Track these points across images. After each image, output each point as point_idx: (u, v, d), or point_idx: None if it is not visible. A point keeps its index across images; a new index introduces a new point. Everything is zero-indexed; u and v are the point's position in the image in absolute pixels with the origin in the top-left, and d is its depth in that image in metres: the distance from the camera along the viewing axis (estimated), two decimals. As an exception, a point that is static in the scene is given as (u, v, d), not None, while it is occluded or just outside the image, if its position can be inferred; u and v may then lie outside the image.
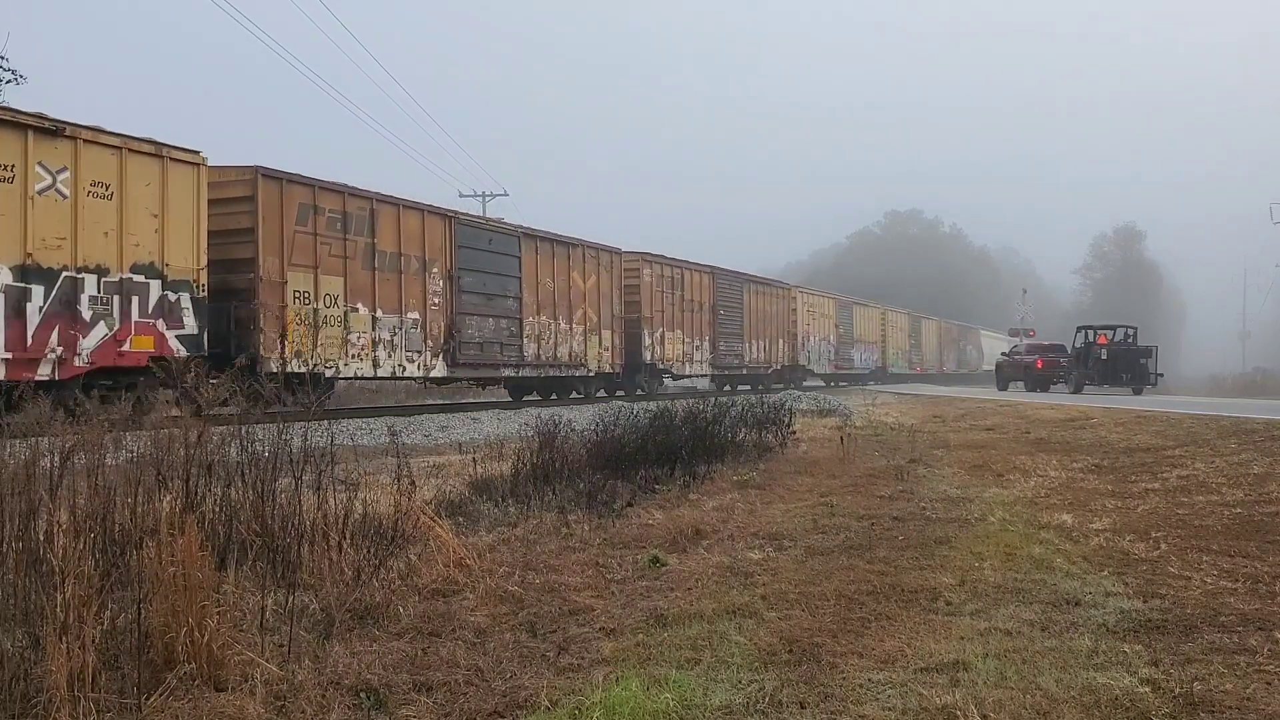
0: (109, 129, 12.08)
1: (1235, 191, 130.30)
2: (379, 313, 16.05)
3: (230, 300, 13.88)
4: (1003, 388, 34.44)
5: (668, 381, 28.01)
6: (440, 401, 22.51)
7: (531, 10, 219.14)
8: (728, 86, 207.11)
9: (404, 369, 16.84)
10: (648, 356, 24.62)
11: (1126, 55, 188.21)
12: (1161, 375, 31.15)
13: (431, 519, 5.33)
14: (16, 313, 11.06)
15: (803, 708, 3.22)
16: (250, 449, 4.79)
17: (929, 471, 9.72)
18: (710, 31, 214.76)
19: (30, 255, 11.18)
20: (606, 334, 23.06)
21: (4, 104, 14.50)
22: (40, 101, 11.79)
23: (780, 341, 33.85)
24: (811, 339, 36.84)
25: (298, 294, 14.54)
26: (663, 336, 25.49)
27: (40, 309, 11.30)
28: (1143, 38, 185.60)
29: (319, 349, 14.78)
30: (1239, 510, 6.81)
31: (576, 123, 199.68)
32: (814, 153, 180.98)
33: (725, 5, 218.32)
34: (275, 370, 13.54)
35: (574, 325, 21.77)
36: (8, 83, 20.18)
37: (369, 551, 4.72)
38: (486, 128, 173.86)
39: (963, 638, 3.92)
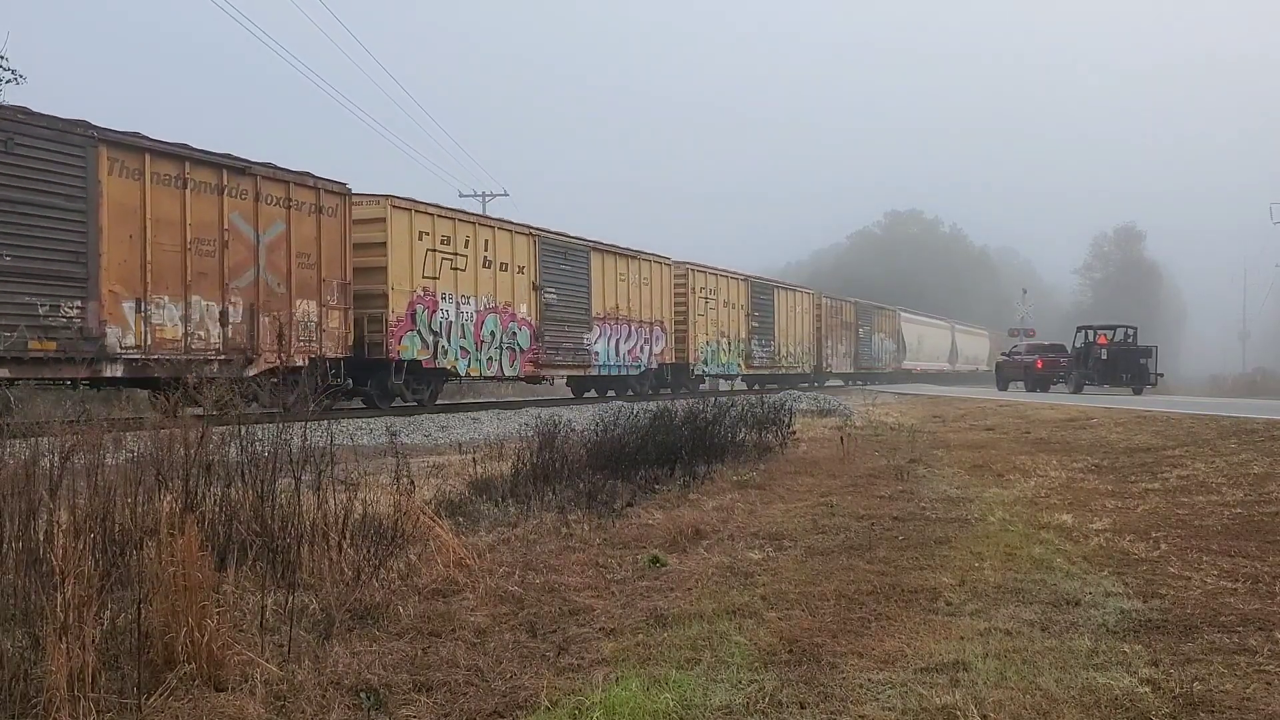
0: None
1: (1236, 196, 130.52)
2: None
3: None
4: (1003, 388, 34.46)
5: None
6: (439, 402, 22.49)
7: (534, 15, 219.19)
8: (730, 91, 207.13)
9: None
10: None
11: (1127, 63, 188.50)
12: (1161, 375, 31.19)
13: (431, 519, 5.33)
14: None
15: (803, 708, 3.22)
16: (250, 449, 4.79)
17: (929, 471, 9.72)
18: (713, 39, 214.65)
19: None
20: None
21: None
22: (40, 101, 11.69)
23: (364, 314, 16.19)
24: (463, 310, 18.28)
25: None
26: None
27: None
28: (1143, 56, 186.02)
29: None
30: (1239, 510, 6.82)
31: (578, 128, 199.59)
32: (816, 156, 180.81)
33: (728, 16, 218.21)
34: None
35: None
36: (7, 82, 20.19)
37: (369, 551, 4.72)
38: (487, 128, 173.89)
39: (963, 638, 3.92)
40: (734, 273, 31.23)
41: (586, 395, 24.92)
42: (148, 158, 12.57)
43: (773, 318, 33.24)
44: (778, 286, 34.60)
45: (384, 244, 16.47)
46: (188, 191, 13.08)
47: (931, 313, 59.63)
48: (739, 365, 30.86)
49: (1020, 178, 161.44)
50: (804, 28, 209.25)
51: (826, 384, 38.08)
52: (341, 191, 15.56)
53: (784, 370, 34.29)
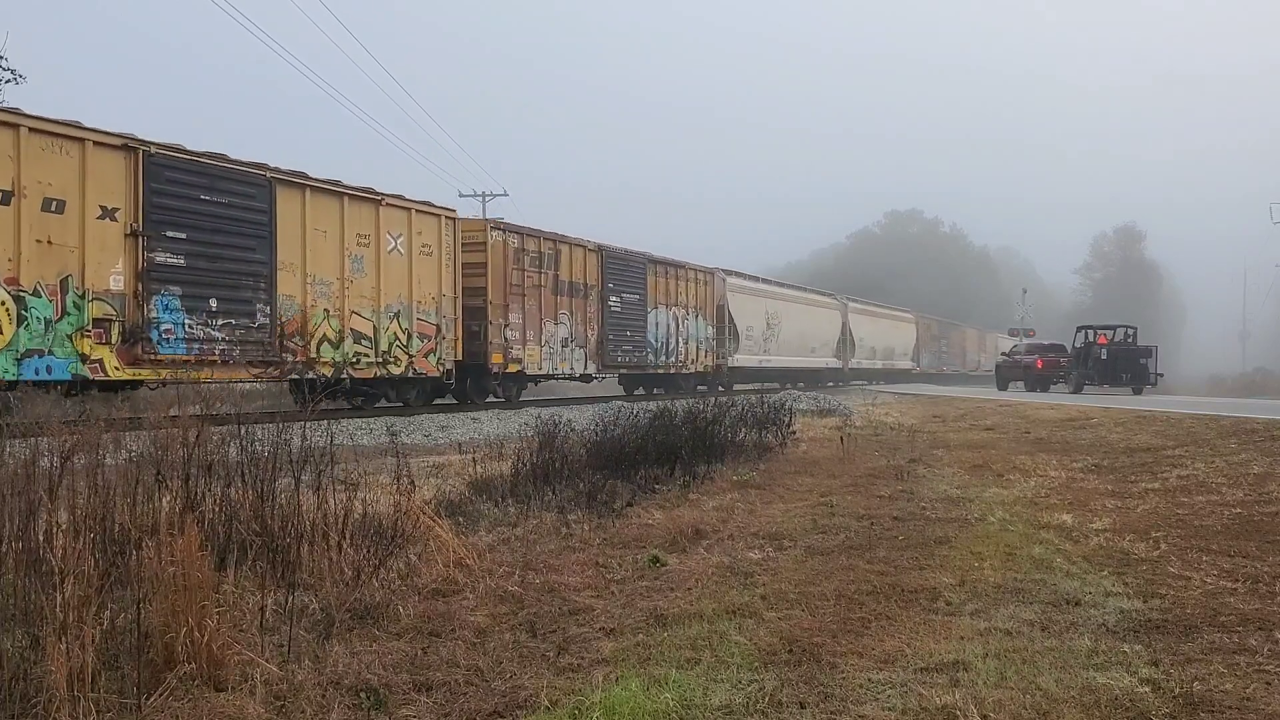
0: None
1: (1237, 205, 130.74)
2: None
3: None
4: (1003, 388, 34.46)
5: None
6: (440, 401, 22.47)
7: (535, 17, 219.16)
8: (733, 95, 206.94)
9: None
10: None
11: (1129, 74, 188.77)
12: (1161, 375, 31.18)
13: (431, 519, 5.33)
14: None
15: (803, 708, 3.21)
16: (250, 449, 4.79)
17: (929, 471, 9.72)
18: (716, 44, 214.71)
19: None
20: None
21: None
22: (38, 102, 11.58)
23: None
24: None
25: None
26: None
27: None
28: (1145, 68, 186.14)
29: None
30: (1239, 510, 6.82)
31: (579, 129, 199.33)
32: (818, 160, 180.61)
33: (732, 21, 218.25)
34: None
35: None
36: (7, 83, 20.15)
37: (369, 551, 4.72)
38: (487, 129, 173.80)
39: (963, 638, 3.92)
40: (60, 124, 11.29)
41: None
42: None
43: (271, 253, 13.87)
44: (287, 181, 14.17)
45: None
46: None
47: (799, 284, 40.78)
48: (70, 355, 11.42)
49: (1021, 185, 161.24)
50: (808, 34, 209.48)
51: (521, 402, 20.47)
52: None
53: (322, 365, 14.67)
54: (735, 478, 8.77)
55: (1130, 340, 30.77)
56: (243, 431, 4.88)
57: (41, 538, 3.76)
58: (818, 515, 6.93)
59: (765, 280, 34.80)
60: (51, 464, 4.15)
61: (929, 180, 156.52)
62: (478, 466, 7.90)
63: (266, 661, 3.44)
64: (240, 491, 4.66)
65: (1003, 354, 39.66)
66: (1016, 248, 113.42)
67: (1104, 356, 29.71)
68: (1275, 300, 66.78)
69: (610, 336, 22.98)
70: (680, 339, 26.78)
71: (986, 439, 13.74)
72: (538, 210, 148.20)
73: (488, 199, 44.52)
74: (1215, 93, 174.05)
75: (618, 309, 23.41)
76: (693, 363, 27.48)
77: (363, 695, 3.31)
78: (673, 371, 26.48)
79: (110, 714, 3.00)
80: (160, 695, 3.11)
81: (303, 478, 4.84)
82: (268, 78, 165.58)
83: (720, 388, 28.68)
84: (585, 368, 22.22)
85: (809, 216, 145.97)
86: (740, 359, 30.48)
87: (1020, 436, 13.85)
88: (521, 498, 6.98)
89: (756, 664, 3.65)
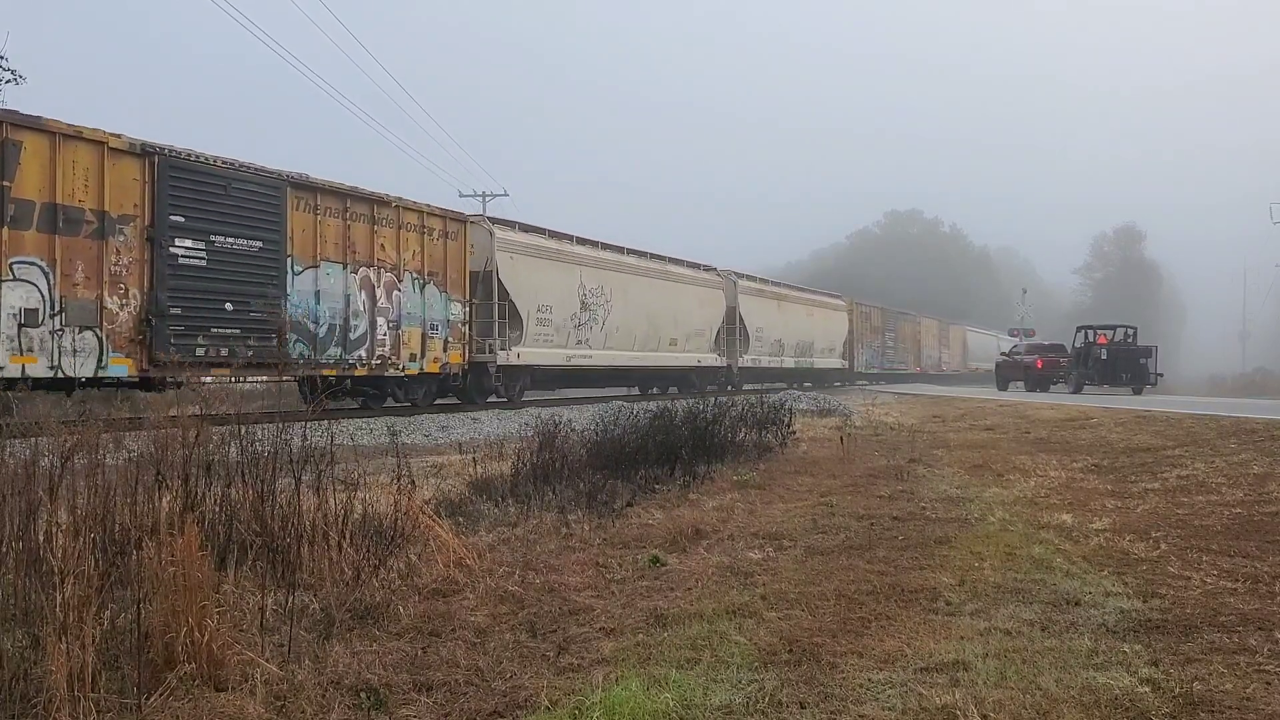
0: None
1: (1237, 207, 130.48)
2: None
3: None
4: (1002, 388, 34.47)
5: None
6: (441, 402, 22.45)
7: (536, 16, 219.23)
8: (733, 95, 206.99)
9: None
10: None
11: (1128, 79, 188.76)
12: (1161, 375, 31.21)
13: (431, 519, 5.33)
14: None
15: (803, 708, 3.21)
16: (250, 449, 4.79)
17: (929, 471, 9.72)
18: (716, 42, 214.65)
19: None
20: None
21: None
22: (38, 101, 11.60)
23: None
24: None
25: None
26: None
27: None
28: (1145, 73, 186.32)
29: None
30: (1239, 510, 6.82)
31: (581, 129, 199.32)
32: (818, 160, 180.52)
33: (732, 20, 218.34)
34: None
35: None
36: (7, 83, 20.14)
37: (369, 551, 4.72)
38: (488, 128, 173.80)
39: (963, 638, 3.92)
40: None
41: None
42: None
43: None
44: None
45: None
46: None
47: (652, 251, 27.02)
48: None
49: (1021, 185, 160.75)
50: (809, 34, 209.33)
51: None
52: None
53: None
54: (735, 478, 8.77)
55: (1130, 340, 30.80)
56: (243, 431, 4.88)
57: (41, 538, 3.76)
58: (818, 515, 6.93)
59: (582, 241, 23.32)
60: (51, 464, 4.15)
61: (929, 180, 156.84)
62: (478, 466, 7.90)
63: (266, 661, 3.44)
64: (240, 491, 4.66)
65: (1002, 354, 39.64)
66: (1016, 248, 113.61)
67: (1104, 356, 29.74)
68: (1275, 300, 66.80)
69: (177, 310, 12.66)
70: (384, 321, 16.27)
71: (986, 439, 13.75)
72: (537, 209, 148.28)
73: (488, 199, 44.40)
74: (1215, 93, 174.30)
75: (200, 261, 13.03)
76: (416, 358, 17.03)
77: (363, 695, 3.31)
78: (365, 373, 15.95)
79: (110, 714, 3.00)
80: (160, 695, 3.11)
81: (303, 478, 4.84)
82: (265, 76, 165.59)
83: (501, 397, 19.69)
84: (100, 363, 11.78)
85: (809, 216, 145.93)
86: (530, 353, 20.49)
87: (1020, 436, 13.86)
88: (521, 498, 6.98)
89: (756, 664, 3.65)
